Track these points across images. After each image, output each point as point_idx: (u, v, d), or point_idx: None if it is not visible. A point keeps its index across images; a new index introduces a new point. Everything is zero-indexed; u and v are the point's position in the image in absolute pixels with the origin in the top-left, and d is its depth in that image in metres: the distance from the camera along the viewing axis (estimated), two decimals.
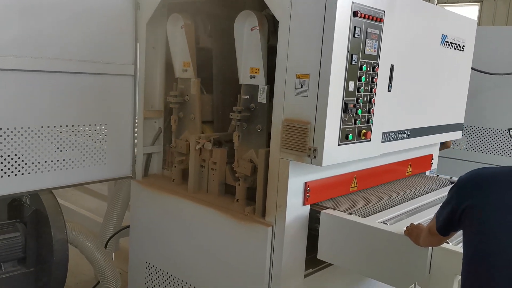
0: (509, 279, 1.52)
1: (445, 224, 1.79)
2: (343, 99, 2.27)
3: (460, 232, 1.76)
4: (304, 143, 2.26)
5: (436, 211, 1.88)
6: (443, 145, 3.82)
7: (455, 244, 2.15)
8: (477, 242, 1.61)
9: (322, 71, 2.19)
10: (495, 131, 4.46)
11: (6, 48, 2.50)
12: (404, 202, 2.91)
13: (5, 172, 2.59)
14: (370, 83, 2.41)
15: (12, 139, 2.58)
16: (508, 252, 1.52)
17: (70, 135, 2.83)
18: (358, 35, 2.26)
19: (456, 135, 3.55)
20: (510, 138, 4.38)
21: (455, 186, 1.72)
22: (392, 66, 2.58)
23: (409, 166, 3.36)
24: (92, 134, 2.94)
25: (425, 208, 2.85)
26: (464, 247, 1.68)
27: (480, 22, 10.22)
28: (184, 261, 2.90)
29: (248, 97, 2.69)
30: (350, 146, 2.38)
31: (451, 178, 3.56)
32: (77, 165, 2.90)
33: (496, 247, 1.55)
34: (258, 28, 2.56)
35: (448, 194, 1.77)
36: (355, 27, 2.24)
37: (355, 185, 2.86)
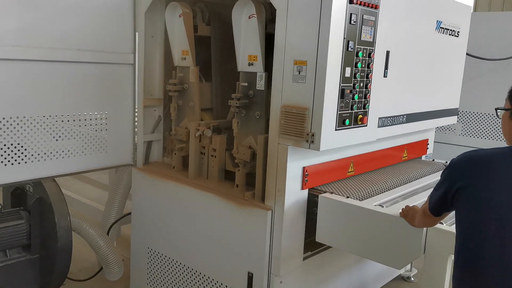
0: (501, 256, 1.58)
1: (438, 205, 1.85)
2: (340, 85, 2.32)
3: (454, 213, 1.82)
4: (302, 129, 2.32)
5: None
6: None
7: (449, 224, 2.22)
8: (470, 221, 1.66)
9: (319, 58, 2.23)
10: (490, 116, 4.52)
11: (6, 38, 2.53)
12: (400, 185, 2.97)
13: (9, 161, 2.63)
14: (366, 69, 2.45)
15: (15, 128, 2.62)
16: (500, 230, 1.58)
17: (71, 124, 2.87)
18: (354, 21, 2.30)
19: (451, 120, 3.61)
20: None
21: (447, 168, 1.78)
22: (388, 52, 2.62)
23: (405, 151, 3.42)
24: (93, 122, 2.99)
25: (420, 191, 2.91)
26: (457, 226, 1.74)
27: (476, 7, 10.22)
28: (185, 246, 2.96)
29: (246, 84, 2.74)
30: (347, 131, 2.44)
31: (446, 162, 3.62)
32: (79, 153, 2.95)
33: (488, 226, 1.60)
34: (256, 16, 2.59)
35: (441, 176, 1.82)
36: (351, 14, 2.28)
37: (352, 169, 2.92)
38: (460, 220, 1.72)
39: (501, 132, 4.76)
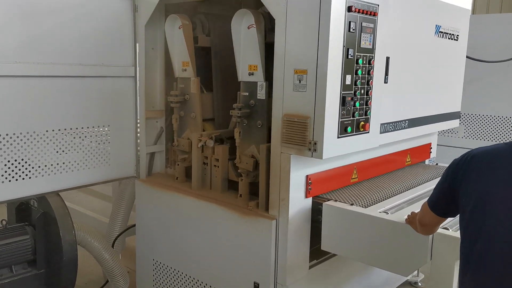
0: (506, 254, 1.55)
1: (441, 205, 1.83)
2: (340, 92, 2.32)
3: (457, 219, 1.80)
4: (304, 137, 2.32)
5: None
6: None
7: (454, 230, 2.20)
8: (473, 220, 1.63)
9: (319, 66, 2.24)
10: (492, 117, 4.51)
11: (8, 54, 2.55)
12: (404, 191, 2.96)
13: (13, 177, 2.64)
14: (366, 76, 2.45)
15: (18, 144, 2.63)
16: (504, 226, 1.55)
17: (74, 137, 2.88)
18: (353, 29, 2.31)
19: (454, 123, 3.60)
20: (506, 124, 4.45)
21: (449, 167, 1.76)
22: (387, 58, 2.63)
23: (408, 155, 3.42)
24: (96, 136, 3.00)
25: (425, 196, 2.89)
26: (460, 225, 1.71)
27: (474, 10, 10.24)
28: (190, 257, 2.96)
29: (247, 93, 2.74)
30: (349, 139, 2.43)
31: None
32: (82, 167, 2.95)
33: (492, 223, 1.57)
34: (255, 26, 2.60)
35: (442, 176, 1.81)
36: (350, 22, 2.28)
37: (356, 176, 2.92)
38: (464, 219, 1.68)
39: (505, 133, 4.75)
